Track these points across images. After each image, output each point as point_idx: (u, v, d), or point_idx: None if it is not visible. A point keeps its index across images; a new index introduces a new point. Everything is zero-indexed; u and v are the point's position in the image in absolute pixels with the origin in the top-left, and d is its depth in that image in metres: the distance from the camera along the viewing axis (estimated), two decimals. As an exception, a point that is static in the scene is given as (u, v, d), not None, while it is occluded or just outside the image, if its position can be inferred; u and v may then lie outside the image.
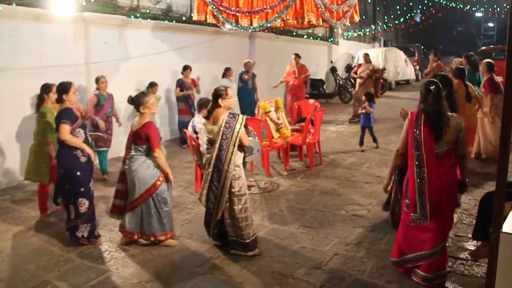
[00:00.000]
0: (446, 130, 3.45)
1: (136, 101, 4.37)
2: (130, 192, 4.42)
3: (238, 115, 4.21)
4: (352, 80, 15.58)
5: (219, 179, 4.07)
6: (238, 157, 4.15)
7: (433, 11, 26.82)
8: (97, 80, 6.80)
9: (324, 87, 15.59)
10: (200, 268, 4.04)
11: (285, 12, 7.06)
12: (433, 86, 3.53)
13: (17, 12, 6.66)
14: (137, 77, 8.53)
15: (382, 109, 11.90)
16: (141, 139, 4.33)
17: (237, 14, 7.14)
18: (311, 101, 9.32)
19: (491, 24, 46.25)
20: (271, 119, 7.22)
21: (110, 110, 6.88)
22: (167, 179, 4.43)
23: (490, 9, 26.82)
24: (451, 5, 24.12)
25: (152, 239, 4.44)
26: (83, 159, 4.52)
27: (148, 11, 9.53)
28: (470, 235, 4.30)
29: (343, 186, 6.30)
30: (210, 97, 4.49)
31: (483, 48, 20.91)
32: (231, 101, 4.30)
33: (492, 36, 44.91)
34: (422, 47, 24.69)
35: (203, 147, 5.21)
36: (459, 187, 3.67)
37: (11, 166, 6.75)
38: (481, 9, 29.01)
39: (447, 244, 3.79)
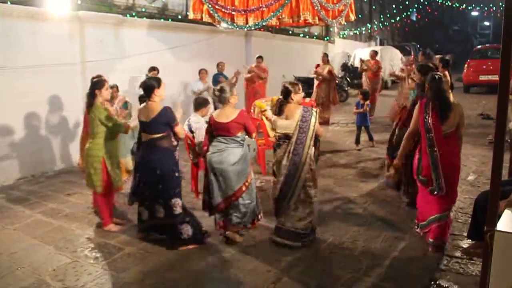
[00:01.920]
0: (450, 115, 3.98)
1: (222, 94, 4.37)
2: (227, 186, 4.37)
3: (312, 108, 4.39)
4: (348, 79, 15.63)
5: (295, 172, 4.24)
6: (311, 150, 4.34)
7: (429, 10, 26.94)
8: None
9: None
10: (198, 266, 4.04)
11: (280, 11, 7.08)
12: (438, 77, 4.07)
13: (12, 11, 6.64)
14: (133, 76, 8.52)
15: (377, 108, 11.92)
16: (238, 129, 4.37)
17: (233, 12, 7.15)
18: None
19: (487, 23, 46.41)
20: (267, 118, 7.20)
21: None
22: None
23: (486, 8, 26.95)
24: (447, 4, 24.21)
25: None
26: (179, 160, 4.50)
27: (143, 9, 9.50)
28: (465, 234, 4.32)
29: (339, 184, 6.31)
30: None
31: (479, 47, 20.92)
32: (302, 95, 4.50)
33: (488, 35, 45.04)
34: (418, 46, 24.72)
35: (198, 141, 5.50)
36: None
37: (7, 165, 6.73)
38: (477, 8, 29.17)
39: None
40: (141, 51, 8.62)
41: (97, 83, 4.78)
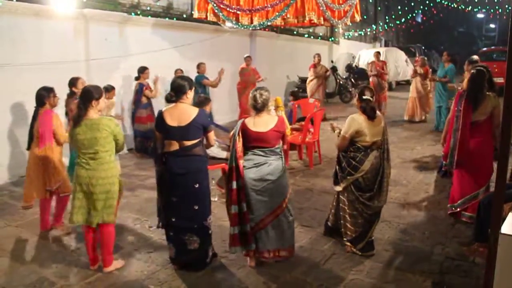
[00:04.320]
0: (481, 104, 4.51)
1: (264, 100, 3.84)
2: (270, 202, 3.86)
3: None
4: (352, 80, 15.60)
5: (375, 180, 4.04)
6: None
7: (435, 12, 26.81)
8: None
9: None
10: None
11: (285, 11, 7.07)
12: (475, 71, 4.66)
13: (17, 8, 6.65)
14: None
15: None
16: (277, 139, 3.89)
17: (238, 12, 7.14)
18: (311, 100, 9.30)
19: (492, 25, 46.20)
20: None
21: None
22: None
23: (492, 10, 26.83)
24: (452, 5, 24.12)
25: (281, 253, 3.99)
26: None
27: (148, 8, 9.51)
28: (468, 234, 4.30)
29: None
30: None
31: (484, 49, 20.86)
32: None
33: (493, 37, 44.86)
34: (423, 47, 24.68)
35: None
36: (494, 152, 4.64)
37: (10, 162, 6.74)
38: (483, 10, 29.03)
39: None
40: (145, 49, 8.62)
41: (97, 90, 3.92)
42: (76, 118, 3.79)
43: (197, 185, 3.76)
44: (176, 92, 3.78)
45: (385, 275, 3.81)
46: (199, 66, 9.09)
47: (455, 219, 4.90)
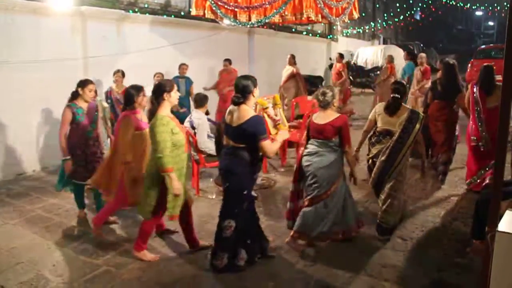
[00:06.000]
0: (493, 91, 5.29)
1: (325, 98, 4.17)
2: (315, 188, 4.17)
3: (419, 113, 4.49)
4: (351, 77, 15.57)
5: (390, 167, 4.37)
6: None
7: (433, 9, 26.82)
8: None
9: (323, 84, 15.54)
10: (195, 264, 4.02)
11: (283, 8, 7.05)
12: (485, 66, 5.53)
13: (15, 5, 6.63)
14: (135, 72, 8.47)
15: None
16: (332, 133, 4.16)
17: (236, 9, 7.13)
18: (309, 98, 9.27)
19: (491, 23, 46.25)
20: (268, 116, 7.18)
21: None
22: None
23: (490, 8, 26.85)
24: (451, 3, 24.12)
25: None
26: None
27: (146, 5, 9.50)
28: (466, 232, 4.30)
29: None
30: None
31: (483, 47, 20.82)
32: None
33: (492, 35, 44.92)
34: (422, 45, 24.67)
35: (202, 141, 5.47)
36: None
37: (8, 159, 6.73)
38: (481, 8, 29.06)
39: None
40: (143, 47, 8.60)
41: (167, 83, 3.91)
42: (150, 113, 3.86)
43: (227, 184, 3.78)
44: (242, 93, 3.69)
45: (383, 273, 3.81)
46: (179, 66, 8.69)
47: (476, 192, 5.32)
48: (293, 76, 10.46)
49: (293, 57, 10.63)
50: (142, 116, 4.45)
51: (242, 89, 3.68)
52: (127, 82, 8.31)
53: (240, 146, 3.67)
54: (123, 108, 4.52)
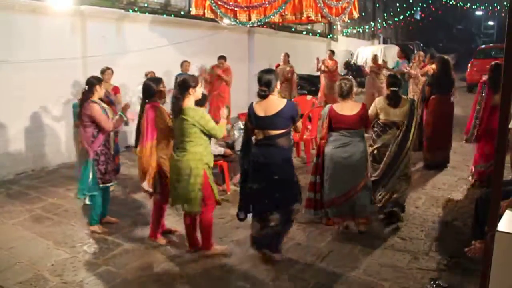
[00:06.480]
0: (499, 90, 4.87)
1: (350, 87, 4.41)
2: (349, 181, 4.36)
3: (414, 100, 4.86)
4: (351, 77, 15.53)
5: (400, 155, 4.63)
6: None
7: (433, 9, 26.82)
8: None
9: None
10: (195, 264, 4.02)
11: (283, 8, 7.04)
12: (494, 64, 5.55)
13: (14, 4, 6.63)
14: (135, 72, 8.48)
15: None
16: (361, 122, 4.42)
17: (236, 9, 7.11)
18: (309, 97, 9.28)
19: (491, 23, 46.18)
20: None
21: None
22: None
23: (490, 8, 26.83)
24: (451, 3, 24.11)
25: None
26: None
27: (146, 5, 9.49)
28: (466, 231, 4.30)
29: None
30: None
31: (483, 46, 20.82)
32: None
33: (492, 35, 44.84)
34: (422, 44, 24.65)
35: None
36: None
37: (7, 159, 6.73)
38: (481, 8, 29.04)
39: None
40: (143, 46, 8.59)
41: (192, 79, 4.01)
42: (174, 108, 3.91)
43: (276, 177, 3.81)
44: (267, 86, 3.84)
45: (382, 272, 3.80)
46: (181, 64, 8.77)
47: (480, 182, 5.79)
48: (286, 80, 10.43)
49: (287, 55, 10.70)
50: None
51: (267, 83, 3.83)
52: (127, 82, 8.34)
53: (277, 134, 3.79)
54: (143, 102, 4.40)
